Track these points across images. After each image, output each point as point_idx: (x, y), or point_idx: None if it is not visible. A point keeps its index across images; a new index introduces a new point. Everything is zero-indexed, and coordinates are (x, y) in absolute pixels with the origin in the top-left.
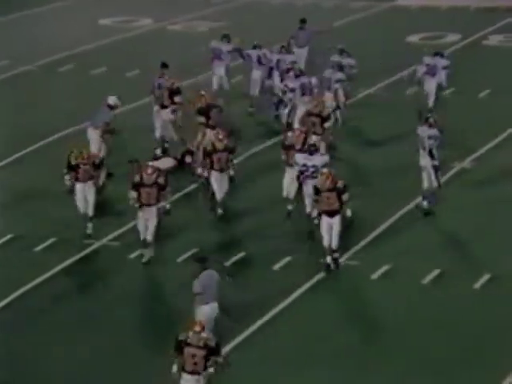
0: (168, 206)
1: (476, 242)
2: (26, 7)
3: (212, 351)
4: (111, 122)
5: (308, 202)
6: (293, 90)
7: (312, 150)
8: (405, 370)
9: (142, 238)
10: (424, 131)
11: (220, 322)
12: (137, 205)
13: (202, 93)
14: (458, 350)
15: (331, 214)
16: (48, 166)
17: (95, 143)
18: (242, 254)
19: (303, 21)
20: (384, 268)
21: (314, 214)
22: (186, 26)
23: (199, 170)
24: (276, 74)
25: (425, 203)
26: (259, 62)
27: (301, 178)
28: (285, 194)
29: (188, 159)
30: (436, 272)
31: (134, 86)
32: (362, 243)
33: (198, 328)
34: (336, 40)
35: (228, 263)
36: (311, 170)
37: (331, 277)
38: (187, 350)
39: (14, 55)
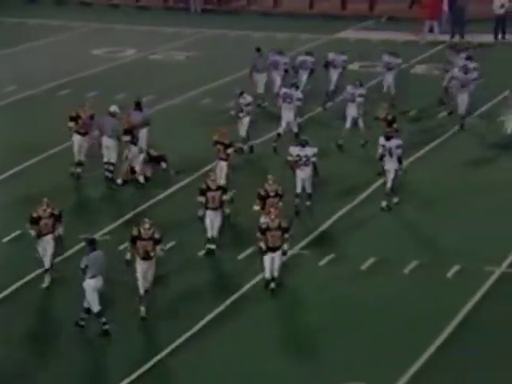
0: (162, 254)
1: (408, 233)
2: (30, 40)
3: None
4: (117, 129)
5: (299, 185)
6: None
7: (304, 144)
8: (337, 358)
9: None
10: (390, 142)
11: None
12: (138, 258)
13: (126, 116)
14: (388, 334)
15: (274, 249)
16: (49, 175)
17: (111, 150)
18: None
19: (258, 49)
20: (330, 256)
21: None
22: (165, 56)
23: (118, 181)
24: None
25: (395, 200)
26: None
27: (294, 165)
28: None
29: (163, 165)
30: (372, 259)
31: (122, 107)
32: (311, 236)
33: None
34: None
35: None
36: (304, 159)
37: (284, 265)
38: None
39: (21, 81)
